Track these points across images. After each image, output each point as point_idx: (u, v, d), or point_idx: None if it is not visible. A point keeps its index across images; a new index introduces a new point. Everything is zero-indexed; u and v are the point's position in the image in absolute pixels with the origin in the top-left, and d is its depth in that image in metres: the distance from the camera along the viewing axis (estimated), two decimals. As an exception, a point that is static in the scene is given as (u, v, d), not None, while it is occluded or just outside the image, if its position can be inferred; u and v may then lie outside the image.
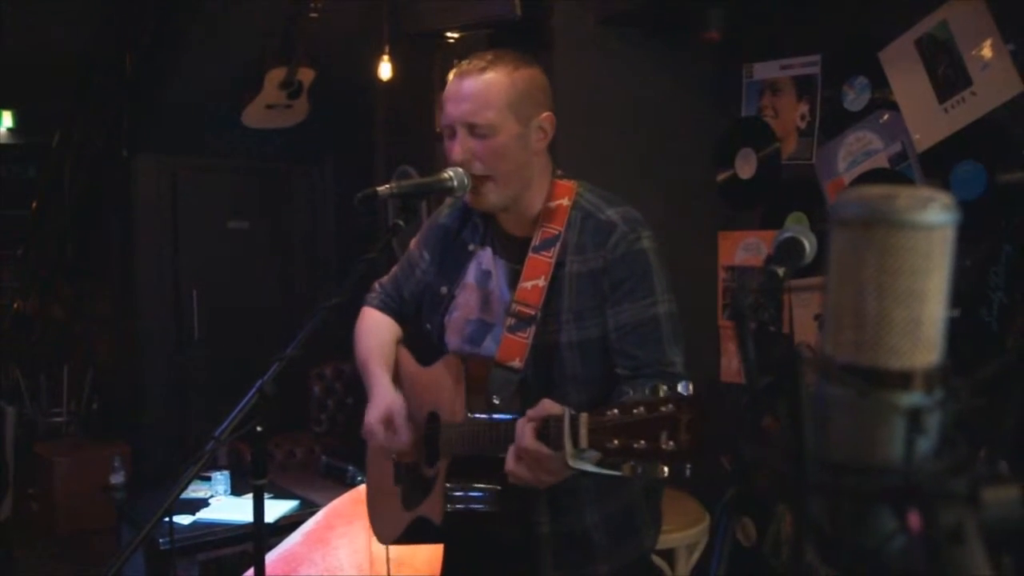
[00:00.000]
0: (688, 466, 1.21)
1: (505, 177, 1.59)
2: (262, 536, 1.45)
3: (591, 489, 1.63)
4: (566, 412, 1.29)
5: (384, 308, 1.89)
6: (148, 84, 5.09)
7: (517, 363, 1.56)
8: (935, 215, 0.56)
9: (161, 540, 3.05)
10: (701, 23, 3.32)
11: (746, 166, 3.55)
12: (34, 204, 6.36)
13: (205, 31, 4.55)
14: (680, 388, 1.22)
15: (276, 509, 3.33)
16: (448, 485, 1.57)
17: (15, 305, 6.37)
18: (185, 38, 4.67)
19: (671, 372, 1.53)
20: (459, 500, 1.57)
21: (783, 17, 3.35)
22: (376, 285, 1.95)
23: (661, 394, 1.22)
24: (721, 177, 3.65)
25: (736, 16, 3.33)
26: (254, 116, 4.76)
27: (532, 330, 1.57)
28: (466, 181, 1.57)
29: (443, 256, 1.79)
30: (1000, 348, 2.70)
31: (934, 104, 2.91)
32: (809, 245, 1.24)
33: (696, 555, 3.09)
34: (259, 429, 1.35)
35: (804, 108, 3.34)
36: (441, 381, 1.66)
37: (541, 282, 1.58)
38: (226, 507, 3.39)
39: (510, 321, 1.59)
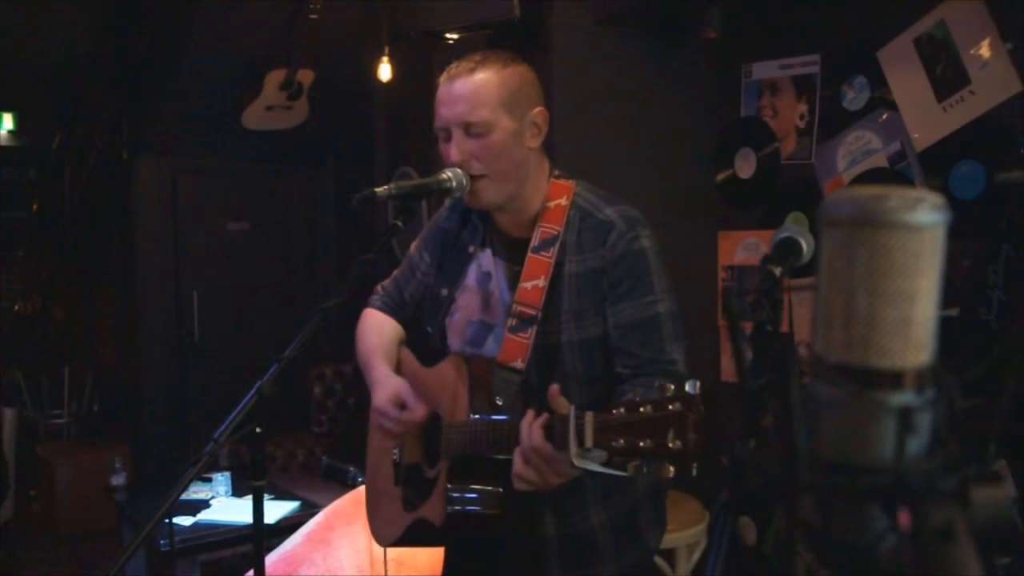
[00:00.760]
0: (695, 466, 1.19)
1: (502, 174, 1.59)
2: (262, 537, 1.45)
3: (596, 491, 1.63)
4: (571, 411, 1.28)
5: (386, 309, 1.89)
6: (148, 86, 5.09)
7: (519, 364, 1.57)
8: (925, 215, 0.56)
9: (162, 541, 3.06)
10: (700, 22, 3.32)
11: (745, 166, 3.55)
12: (35, 206, 6.36)
13: (205, 33, 4.55)
14: (688, 387, 1.21)
15: (277, 510, 3.33)
16: (449, 486, 1.57)
17: (16, 307, 6.37)
18: (185, 40, 4.68)
19: (672, 371, 1.53)
20: (460, 502, 1.56)
21: (782, 16, 3.35)
22: (378, 288, 1.95)
23: (668, 393, 1.21)
24: (720, 177, 3.65)
25: (735, 15, 3.33)
26: (254, 118, 4.76)
27: (533, 330, 1.57)
28: (465, 181, 1.57)
29: (443, 259, 1.80)
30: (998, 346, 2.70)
31: (933, 103, 2.91)
32: (806, 245, 1.24)
33: (696, 555, 3.10)
34: (258, 430, 1.35)
35: (803, 108, 3.34)
36: (443, 382, 1.66)
37: (541, 282, 1.59)
38: (227, 508, 3.39)
39: (511, 322, 1.59)
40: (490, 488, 1.55)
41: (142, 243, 5.34)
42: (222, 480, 3.53)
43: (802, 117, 3.34)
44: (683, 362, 1.56)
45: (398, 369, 1.80)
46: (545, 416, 1.36)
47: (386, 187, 1.53)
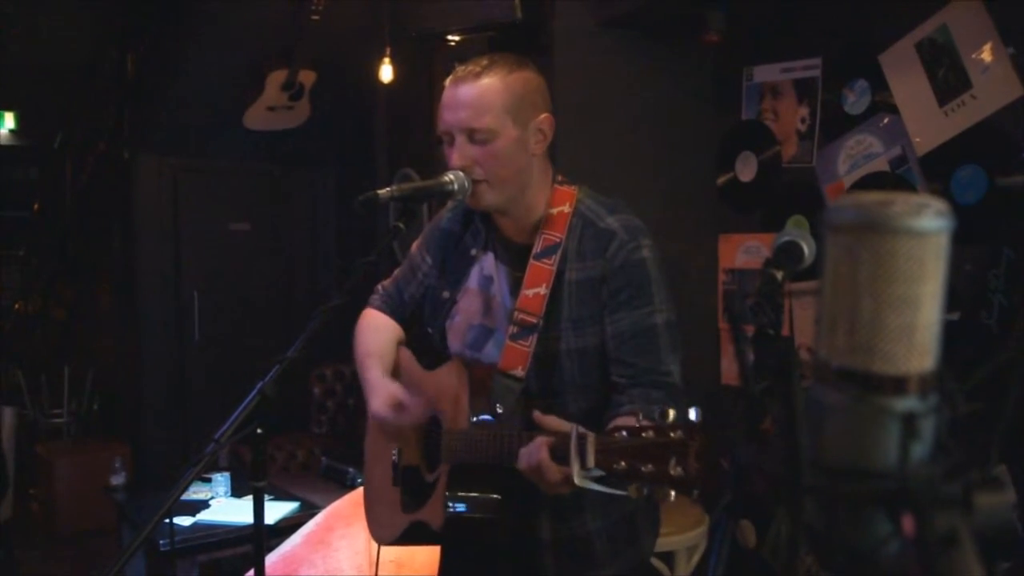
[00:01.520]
0: (695, 491, 1.20)
1: (504, 180, 1.59)
2: (262, 537, 1.45)
3: (593, 497, 1.63)
4: (574, 431, 1.28)
5: (385, 309, 1.89)
6: (149, 86, 5.10)
7: (519, 371, 1.56)
8: (929, 221, 0.56)
9: (161, 541, 3.06)
10: (701, 26, 3.33)
11: (746, 169, 3.55)
12: (35, 205, 6.38)
13: (206, 33, 4.55)
14: (691, 414, 1.21)
15: (276, 511, 3.33)
16: (448, 492, 1.57)
17: (16, 306, 6.38)
18: (186, 40, 4.68)
19: (667, 382, 1.53)
20: (459, 507, 1.57)
21: (783, 20, 3.36)
22: (378, 287, 1.95)
23: (671, 419, 1.21)
24: (721, 180, 3.65)
25: (736, 19, 3.34)
26: (255, 118, 4.76)
27: (534, 338, 1.57)
28: (467, 184, 1.57)
29: (445, 260, 1.79)
30: (1000, 351, 2.70)
31: (934, 107, 2.91)
32: (808, 248, 1.24)
33: (696, 558, 3.10)
34: (259, 431, 1.35)
35: (804, 111, 3.34)
36: (444, 386, 1.66)
37: (543, 290, 1.58)
38: (226, 509, 3.39)
39: (512, 329, 1.59)
40: (488, 494, 1.56)
41: (143, 243, 5.35)
42: (222, 480, 3.53)
43: (803, 120, 3.35)
44: (679, 373, 1.56)
45: (397, 370, 1.80)
46: (551, 439, 1.36)
47: (389, 189, 1.53)
